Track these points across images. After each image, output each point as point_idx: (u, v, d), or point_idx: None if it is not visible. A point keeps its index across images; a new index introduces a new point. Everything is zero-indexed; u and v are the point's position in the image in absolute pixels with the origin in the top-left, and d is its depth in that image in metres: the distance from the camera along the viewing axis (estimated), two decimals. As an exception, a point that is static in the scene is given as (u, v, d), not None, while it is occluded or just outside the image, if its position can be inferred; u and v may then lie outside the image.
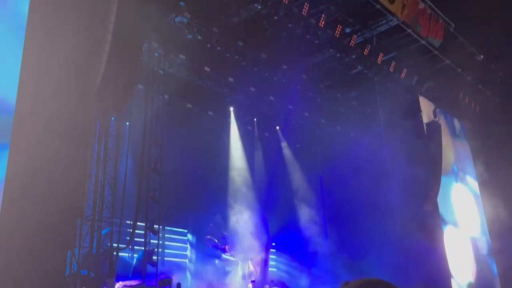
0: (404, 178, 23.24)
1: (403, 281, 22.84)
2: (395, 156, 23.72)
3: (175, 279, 20.20)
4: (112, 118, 18.70)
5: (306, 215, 28.26)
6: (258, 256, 27.50)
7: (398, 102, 23.40)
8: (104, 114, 17.27)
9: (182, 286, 17.82)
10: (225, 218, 26.54)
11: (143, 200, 19.49)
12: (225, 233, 27.04)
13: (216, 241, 26.96)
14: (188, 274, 25.21)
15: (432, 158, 23.27)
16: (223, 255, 27.00)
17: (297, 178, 28.86)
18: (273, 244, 29.37)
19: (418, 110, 24.16)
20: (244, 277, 27.06)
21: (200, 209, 24.54)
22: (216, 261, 27.07)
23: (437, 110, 24.37)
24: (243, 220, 25.68)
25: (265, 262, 28.11)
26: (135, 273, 21.59)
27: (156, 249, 19.78)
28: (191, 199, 24.19)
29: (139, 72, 18.55)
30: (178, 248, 25.53)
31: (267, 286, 23.14)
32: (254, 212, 26.65)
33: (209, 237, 26.79)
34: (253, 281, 21.58)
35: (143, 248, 19.81)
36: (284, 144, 29.15)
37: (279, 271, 29.31)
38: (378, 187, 25.91)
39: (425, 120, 24.41)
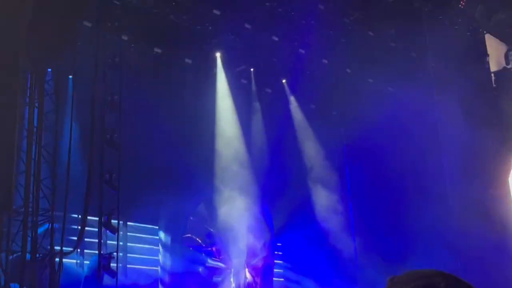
0: (463, 149, 23.26)
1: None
2: (451, 119, 23.66)
3: None
4: (49, 70, 18.48)
5: (324, 202, 28.41)
6: (258, 261, 27.96)
7: (455, 42, 23.19)
8: (36, 64, 17.07)
9: None
10: (211, 209, 26.65)
11: (96, 185, 19.54)
12: (212, 230, 27.24)
13: (200, 240, 27.33)
14: (161, 287, 25.41)
15: (502, 120, 23.23)
16: (210, 260, 27.24)
17: (312, 151, 28.88)
18: (279, 244, 29.70)
19: (484, 53, 23.99)
20: (238, 289, 27.46)
21: (176, 197, 24.57)
22: (200, 269, 27.36)
23: (511, 53, 24.21)
24: (236, 211, 25.71)
25: (268, 270, 28.46)
26: (87, 287, 21.82)
27: (115, 253, 19.93)
28: (163, 183, 24.25)
29: (84, 2, 18.24)
30: (146, 251, 25.66)
31: None
32: (252, 200, 26.68)
33: (189, 235, 26.95)
34: None
35: (96, 252, 19.95)
36: (293, 103, 29.04)
37: (287, 283, 29.58)
38: (426, 162, 25.96)
39: (492, 67, 24.26)
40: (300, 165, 28.70)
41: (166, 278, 25.55)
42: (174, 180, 24.67)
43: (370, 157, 27.92)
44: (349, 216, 30.04)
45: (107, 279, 20.22)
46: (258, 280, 28.10)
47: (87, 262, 23.04)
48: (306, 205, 28.33)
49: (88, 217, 19.70)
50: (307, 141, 28.94)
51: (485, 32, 23.58)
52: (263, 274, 28.22)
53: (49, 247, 18.28)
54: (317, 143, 28.98)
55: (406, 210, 26.45)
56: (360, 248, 29.42)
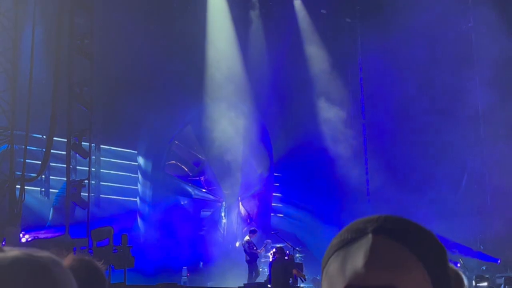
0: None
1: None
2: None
3: (118, 229, 20.68)
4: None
5: (333, 128, 28.70)
6: (254, 194, 28.43)
7: None
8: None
9: (130, 239, 18.37)
10: (199, 131, 26.83)
11: (63, 101, 19.52)
12: (200, 157, 27.69)
13: (186, 168, 27.66)
14: (139, 220, 25.99)
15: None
16: (196, 192, 27.72)
17: (320, 65, 28.84)
18: (278, 175, 30.05)
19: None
20: (229, 226, 27.87)
21: (158, 116, 24.71)
22: (185, 201, 27.62)
23: None
24: (229, 134, 25.98)
25: (264, 202, 29.11)
26: (55, 220, 22.12)
27: (86, 181, 20.07)
28: (143, 99, 24.28)
29: None
30: (123, 179, 26.12)
31: (268, 241, 24.10)
32: (249, 122, 26.94)
33: (173, 162, 27.29)
34: (252, 231, 22.35)
35: (65, 179, 20.20)
36: (299, 7, 28.68)
37: (287, 219, 29.94)
38: (462, 80, 26.08)
39: None
40: (306, 83, 28.80)
41: (146, 211, 26.07)
42: (157, 96, 24.69)
43: (390, 77, 27.88)
44: (363, 144, 30.27)
45: (77, 211, 20.59)
46: (253, 215, 28.36)
47: (55, 190, 23.52)
48: (311, 131, 28.59)
49: (55, 138, 19.83)
50: (316, 54, 28.83)
51: None
52: (260, 208, 28.78)
53: (8, 172, 18.43)
54: (327, 57, 28.72)
55: (428, 132, 26.83)
56: (373, 184, 29.91)
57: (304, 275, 18.45)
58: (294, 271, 17.80)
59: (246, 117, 26.73)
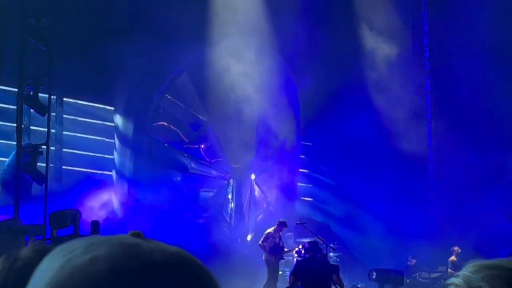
0: None
1: None
2: None
3: (88, 213, 20.56)
4: None
5: (383, 78, 28.64)
6: (273, 167, 28.48)
7: None
8: None
9: (103, 227, 18.18)
10: (199, 81, 26.86)
11: (14, 36, 19.51)
12: (200, 116, 27.86)
13: (180, 133, 27.75)
14: (116, 202, 25.96)
15: None
16: (194, 165, 28.08)
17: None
18: (306, 143, 30.20)
19: None
20: (239, 212, 27.56)
21: (143, 60, 24.51)
22: (178, 178, 27.89)
23: None
24: (240, 85, 25.87)
25: (288, 181, 29.15)
26: (3, 198, 22.06)
27: (44, 147, 20.04)
28: (124, 37, 23.85)
29: None
30: (93, 145, 26.12)
31: (290, 234, 23.88)
32: (268, 68, 26.72)
33: (162, 123, 27.66)
34: (281, 223, 22.21)
35: (14, 143, 20.07)
36: None
37: (318, 205, 30.09)
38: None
39: None
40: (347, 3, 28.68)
41: (125, 189, 26.08)
42: (142, 28, 24.50)
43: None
44: (423, 90, 30.30)
45: (33, 188, 20.61)
46: (272, 198, 28.25)
47: (3, 159, 23.36)
48: (351, 80, 28.61)
49: (1, 87, 19.56)
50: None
51: None
52: (281, 189, 28.42)
53: None
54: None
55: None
56: (439, 148, 29.82)
57: (343, 283, 17.91)
58: (334, 277, 17.20)
59: (265, 63, 26.54)
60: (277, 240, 22.23)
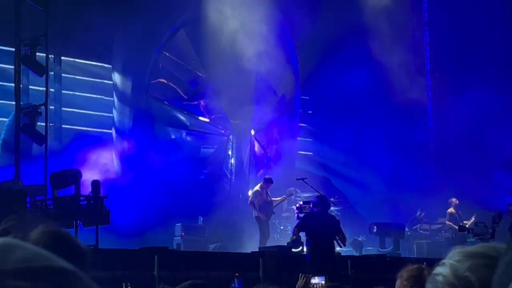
0: None
1: None
2: None
3: (89, 174, 20.43)
4: None
5: (383, 31, 28.38)
6: (273, 123, 28.22)
7: None
8: None
9: (104, 186, 18.18)
10: (197, 38, 26.58)
11: None
12: (199, 73, 27.56)
13: (179, 90, 27.42)
14: (116, 160, 26.04)
15: None
16: (193, 121, 27.84)
17: None
18: (305, 98, 29.97)
19: None
20: (239, 168, 27.54)
21: (140, 16, 24.44)
22: (178, 135, 27.88)
23: None
24: (239, 40, 25.51)
25: (288, 136, 28.88)
26: (3, 159, 22.04)
27: (43, 107, 19.92)
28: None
29: None
30: (92, 104, 25.94)
31: (292, 190, 23.87)
32: (268, 25, 26.25)
33: (161, 80, 27.34)
34: (267, 180, 22.28)
35: (13, 103, 19.99)
36: None
37: (319, 160, 29.98)
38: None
39: None
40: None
41: (124, 147, 25.96)
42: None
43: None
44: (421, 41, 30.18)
45: (33, 148, 20.72)
46: (272, 153, 28.13)
47: (3, 119, 23.41)
48: (347, 35, 28.33)
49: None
50: None
51: None
52: (281, 144, 28.57)
53: None
54: None
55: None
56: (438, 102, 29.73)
57: (345, 238, 17.77)
58: (339, 234, 17.09)
59: (263, 19, 26.23)
60: (265, 196, 22.51)
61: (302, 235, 17.22)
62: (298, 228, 16.93)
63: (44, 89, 20.23)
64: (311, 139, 30.45)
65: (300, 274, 10.08)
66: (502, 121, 28.83)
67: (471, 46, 29.35)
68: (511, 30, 28.50)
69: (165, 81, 26.91)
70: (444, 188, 27.32)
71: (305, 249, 17.44)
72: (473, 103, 27.83)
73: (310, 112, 30.44)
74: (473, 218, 24.07)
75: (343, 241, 17.10)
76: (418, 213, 27.03)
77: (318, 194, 18.55)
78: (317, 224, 16.66)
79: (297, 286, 9.79)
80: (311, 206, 17.61)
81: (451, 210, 26.18)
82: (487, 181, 28.40)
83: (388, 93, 28.88)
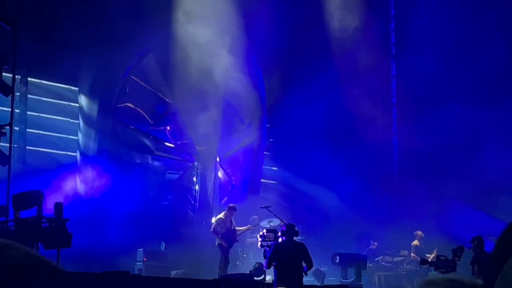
0: None
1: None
2: None
3: (50, 195, 20.58)
4: None
5: (348, 61, 28.31)
6: (238, 152, 28.37)
7: None
8: None
9: (67, 209, 18.05)
10: (165, 63, 26.61)
11: None
12: (166, 98, 27.59)
13: (146, 115, 27.51)
14: (80, 183, 25.81)
15: None
16: (159, 147, 27.72)
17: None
18: (268, 126, 30.05)
19: None
20: (203, 195, 27.47)
21: (108, 40, 24.44)
22: (149, 159, 27.61)
23: None
24: (206, 67, 25.60)
25: (252, 164, 29.13)
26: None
27: (8, 127, 19.65)
28: (90, 16, 23.95)
29: None
30: (58, 126, 25.92)
31: (255, 217, 24.01)
32: (234, 51, 26.34)
33: (127, 104, 27.30)
34: (231, 208, 22.32)
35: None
36: None
37: (283, 188, 30.04)
38: None
39: None
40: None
41: (89, 172, 25.84)
42: (108, 12, 23.98)
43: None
44: (388, 75, 30.27)
45: None
46: (236, 181, 28.16)
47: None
48: (318, 61, 28.61)
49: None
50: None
51: None
52: (245, 172, 28.58)
53: None
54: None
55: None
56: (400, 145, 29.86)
57: (312, 265, 17.71)
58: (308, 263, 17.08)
59: (231, 46, 26.39)
60: (229, 225, 22.54)
61: (264, 263, 17.25)
62: (270, 260, 16.94)
63: (10, 109, 20.10)
64: (276, 168, 30.47)
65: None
66: (466, 153, 29.11)
67: (437, 80, 29.67)
68: (478, 62, 28.80)
69: (132, 106, 26.86)
70: (406, 220, 27.47)
71: (267, 277, 17.41)
72: (438, 135, 28.11)
73: (272, 140, 30.47)
74: (435, 252, 24.23)
75: (309, 268, 17.17)
76: (371, 244, 27.18)
77: (286, 223, 18.51)
78: (287, 252, 16.72)
79: None
80: (279, 234, 17.63)
81: (415, 242, 26.31)
82: (449, 213, 28.63)
83: (355, 126, 29.03)
